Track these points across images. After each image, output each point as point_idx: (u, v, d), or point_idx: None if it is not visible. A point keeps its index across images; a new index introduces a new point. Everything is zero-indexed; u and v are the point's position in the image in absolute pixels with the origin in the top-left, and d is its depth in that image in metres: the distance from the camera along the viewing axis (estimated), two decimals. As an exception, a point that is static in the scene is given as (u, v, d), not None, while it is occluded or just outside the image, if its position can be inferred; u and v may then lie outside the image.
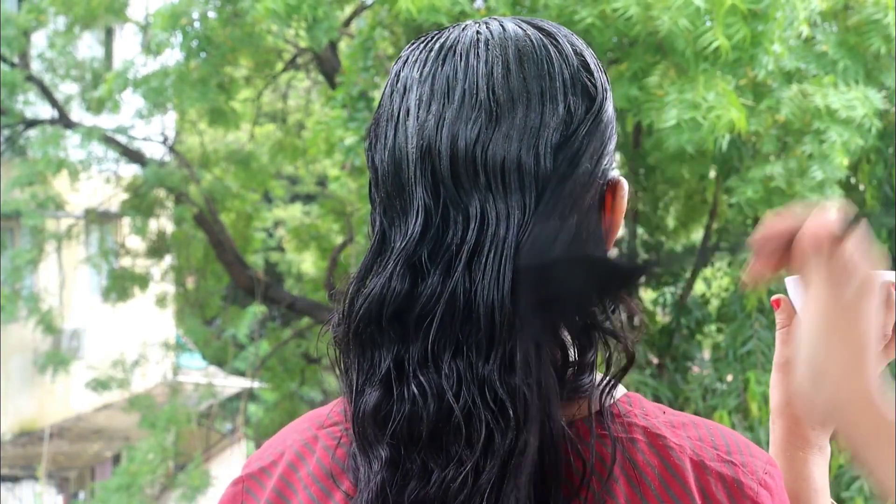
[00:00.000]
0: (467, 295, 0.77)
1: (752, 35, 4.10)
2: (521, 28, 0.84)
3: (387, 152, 0.83)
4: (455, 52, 0.83)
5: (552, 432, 0.78)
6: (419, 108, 0.81)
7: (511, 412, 0.75)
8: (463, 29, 0.85)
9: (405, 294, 0.79)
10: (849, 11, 4.86)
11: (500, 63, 0.81)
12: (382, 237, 0.83)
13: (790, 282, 1.03)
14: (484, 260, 0.77)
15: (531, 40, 0.83)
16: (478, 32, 0.84)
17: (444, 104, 0.80)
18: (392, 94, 0.84)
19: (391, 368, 0.78)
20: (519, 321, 0.77)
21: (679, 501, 0.81)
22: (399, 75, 0.85)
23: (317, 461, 0.86)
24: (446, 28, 0.87)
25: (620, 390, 0.87)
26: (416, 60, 0.84)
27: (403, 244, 0.80)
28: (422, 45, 0.86)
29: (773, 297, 1.04)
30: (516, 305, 0.76)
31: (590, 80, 0.83)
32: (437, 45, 0.84)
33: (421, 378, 0.77)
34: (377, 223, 0.84)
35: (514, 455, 0.76)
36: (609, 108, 0.86)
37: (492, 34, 0.83)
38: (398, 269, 0.79)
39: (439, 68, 0.82)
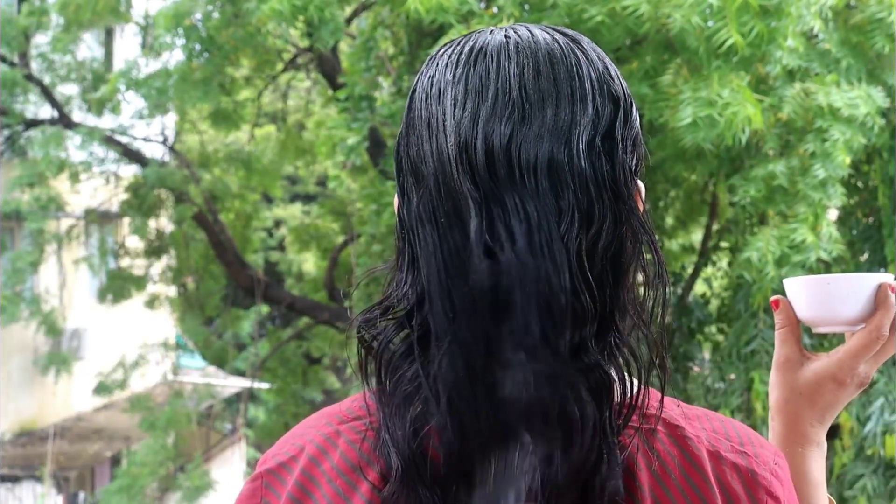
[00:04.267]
0: (534, 283, 0.79)
1: (765, 31, 4.12)
2: (548, 33, 0.87)
3: (430, 156, 0.84)
4: (486, 54, 0.85)
5: (603, 420, 0.81)
6: (455, 108, 0.83)
7: (583, 395, 0.79)
8: (490, 33, 0.88)
9: (489, 285, 0.79)
10: (852, 10, 4.87)
11: (530, 65, 0.84)
12: (433, 235, 0.83)
13: (788, 283, 1.05)
14: (540, 253, 0.79)
15: (559, 44, 0.86)
16: (506, 37, 0.87)
17: (478, 102, 0.83)
18: (427, 98, 0.86)
19: (460, 351, 0.80)
20: (577, 312, 0.79)
21: (699, 491, 0.83)
22: (432, 80, 0.87)
23: (340, 455, 0.87)
24: (472, 32, 0.90)
25: (635, 384, 0.88)
26: (447, 64, 0.87)
27: (456, 237, 0.81)
28: (451, 49, 0.88)
29: (772, 298, 1.08)
30: (574, 296, 0.79)
31: (614, 85, 0.86)
32: (468, 48, 0.87)
33: (499, 364, 0.79)
34: (422, 223, 0.84)
35: (581, 438, 0.79)
36: (636, 114, 0.89)
37: (521, 38, 0.86)
38: (454, 260, 0.81)
39: (471, 69, 0.84)
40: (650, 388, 0.87)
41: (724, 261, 7.35)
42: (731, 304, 5.98)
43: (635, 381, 0.86)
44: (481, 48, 0.86)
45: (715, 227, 7.04)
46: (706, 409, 0.91)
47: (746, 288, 5.21)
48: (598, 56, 0.87)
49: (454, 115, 0.83)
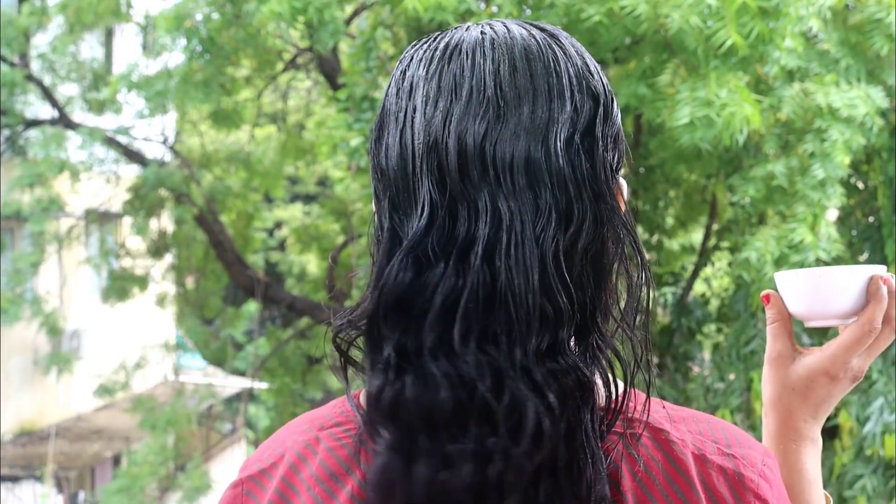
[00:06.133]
0: (489, 287, 0.77)
1: (765, 32, 4.12)
2: (525, 29, 0.86)
3: (393, 150, 0.83)
4: (461, 50, 0.83)
5: (584, 424, 0.78)
6: (426, 105, 0.82)
7: (551, 399, 0.76)
8: (467, 29, 0.86)
9: (407, 284, 0.78)
10: (851, 10, 4.87)
11: (506, 61, 0.82)
12: (392, 233, 0.83)
13: (780, 277, 1.05)
14: (506, 254, 0.77)
15: (536, 40, 0.84)
16: (482, 33, 0.85)
17: (451, 101, 0.81)
18: (398, 92, 0.85)
19: (393, 356, 0.78)
20: (549, 314, 0.77)
21: (683, 495, 0.81)
22: (405, 74, 0.85)
23: (319, 462, 0.85)
24: (449, 29, 0.88)
25: (619, 386, 0.86)
26: (421, 59, 0.85)
27: (410, 236, 0.80)
28: (426, 45, 0.87)
29: (763, 293, 1.06)
30: (545, 298, 0.77)
31: (593, 81, 0.84)
32: (443, 45, 0.85)
33: (433, 365, 0.76)
34: (385, 220, 0.84)
35: (552, 443, 0.76)
36: (618, 111, 0.87)
37: (496, 34, 0.84)
38: (402, 260, 0.79)
39: (445, 66, 0.83)
40: (635, 391, 0.85)
41: (723, 261, 7.35)
42: (731, 304, 5.98)
43: (620, 384, 0.84)
44: (456, 45, 0.84)
45: (715, 227, 7.05)
46: (694, 409, 0.90)
47: (746, 288, 5.21)
48: (576, 51, 0.85)
49: (424, 113, 0.82)
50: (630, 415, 0.84)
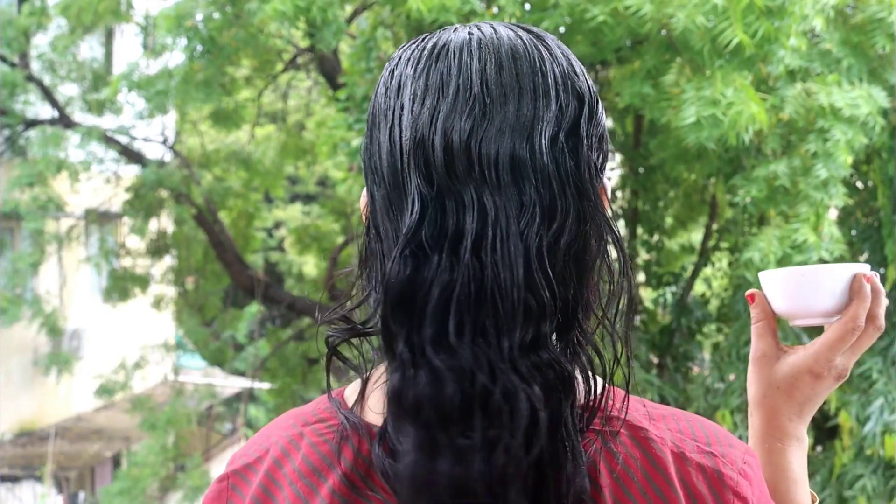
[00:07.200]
0: (478, 281, 0.77)
1: (770, 31, 4.13)
2: (512, 30, 0.87)
3: (384, 148, 0.84)
4: (448, 50, 0.85)
5: (564, 418, 0.79)
6: (413, 103, 0.83)
7: (537, 392, 0.76)
8: (455, 31, 0.88)
9: (408, 278, 0.79)
10: (852, 11, 4.87)
11: (492, 60, 0.83)
12: (388, 232, 0.84)
13: (764, 276, 1.06)
14: (492, 248, 0.78)
15: (522, 41, 0.86)
16: (469, 34, 0.86)
17: (438, 98, 0.82)
18: (386, 91, 0.86)
19: (404, 352, 0.78)
20: (532, 307, 0.78)
21: (662, 493, 0.82)
22: (393, 74, 0.87)
23: (302, 457, 0.87)
24: (437, 30, 0.90)
25: (599, 384, 0.87)
26: (409, 59, 0.87)
27: (405, 230, 0.80)
28: (414, 46, 0.88)
29: (748, 292, 1.07)
30: (529, 292, 0.78)
31: (578, 82, 0.86)
32: (430, 45, 0.87)
33: (436, 360, 0.76)
34: (381, 219, 0.85)
35: (544, 432, 0.77)
36: (602, 112, 0.88)
37: (483, 35, 0.86)
38: (401, 254, 0.80)
39: (433, 65, 0.84)
40: (615, 389, 0.86)
41: (723, 261, 7.35)
42: (731, 304, 5.98)
43: (600, 381, 0.84)
44: (444, 45, 0.85)
45: (715, 227, 7.04)
46: (684, 410, 0.90)
47: (746, 288, 5.20)
48: (562, 53, 0.87)
49: (412, 110, 0.83)
50: (609, 412, 0.84)
